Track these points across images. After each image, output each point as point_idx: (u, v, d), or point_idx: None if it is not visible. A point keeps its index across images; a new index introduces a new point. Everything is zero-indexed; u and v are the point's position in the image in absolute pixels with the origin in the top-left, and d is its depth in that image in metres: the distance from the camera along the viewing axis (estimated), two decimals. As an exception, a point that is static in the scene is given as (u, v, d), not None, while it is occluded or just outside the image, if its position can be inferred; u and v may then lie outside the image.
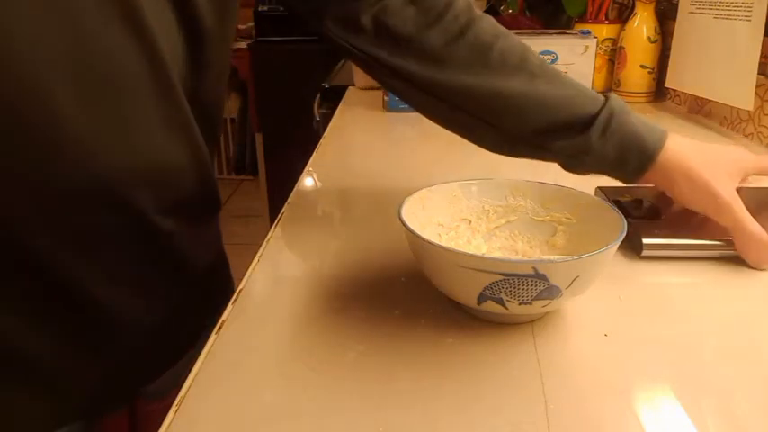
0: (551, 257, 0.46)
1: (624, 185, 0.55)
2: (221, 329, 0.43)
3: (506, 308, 0.40)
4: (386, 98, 1.06)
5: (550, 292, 0.38)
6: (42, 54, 0.37)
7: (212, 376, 0.38)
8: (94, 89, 0.40)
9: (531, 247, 0.50)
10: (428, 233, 0.42)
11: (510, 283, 0.38)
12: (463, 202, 0.51)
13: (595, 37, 0.98)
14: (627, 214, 0.55)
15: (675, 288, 0.49)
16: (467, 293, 0.41)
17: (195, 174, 0.49)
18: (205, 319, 0.50)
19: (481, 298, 0.40)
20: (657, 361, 0.39)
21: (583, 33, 1.00)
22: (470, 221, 0.51)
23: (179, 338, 0.56)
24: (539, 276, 0.37)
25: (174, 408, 0.35)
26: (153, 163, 0.45)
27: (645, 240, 0.52)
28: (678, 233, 0.53)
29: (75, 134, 0.40)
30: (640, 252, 0.52)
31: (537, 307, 0.40)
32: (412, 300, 0.46)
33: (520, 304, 0.39)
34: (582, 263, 0.39)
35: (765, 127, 0.86)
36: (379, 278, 0.49)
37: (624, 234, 0.41)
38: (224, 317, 0.44)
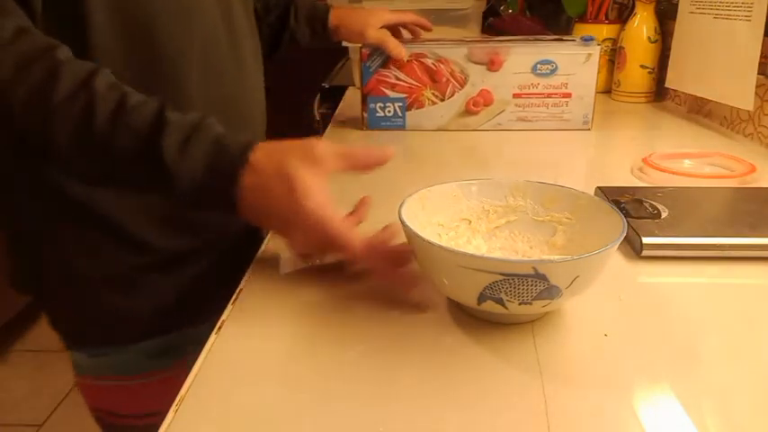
0: (551, 257, 0.46)
1: (624, 186, 0.55)
2: (221, 329, 0.43)
3: (506, 308, 0.40)
4: (365, 115, 0.95)
5: (550, 292, 0.38)
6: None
7: (212, 376, 0.38)
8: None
9: (530, 247, 0.50)
10: (428, 233, 0.42)
11: (510, 283, 0.38)
12: (463, 202, 0.51)
13: (599, 44, 0.93)
14: (627, 214, 0.56)
15: (675, 288, 0.49)
16: (467, 293, 0.41)
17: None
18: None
19: (481, 298, 0.40)
20: (657, 361, 0.39)
21: (585, 40, 0.94)
22: (470, 221, 0.51)
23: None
24: (539, 276, 0.37)
25: (173, 408, 0.35)
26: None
27: (645, 240, 0.52)
28: (678, 233, 0.53)
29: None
30: (640, 252, 0.52)
31: (537, 307, 0.40)
32: (412, 300, 0.46)
33: (520, 304, 0.39)
34: (582, 263, 0.38)
35: (765, 127, 0.86)
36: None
37: (624, 234, 0.41)
38: (224, 317, 0.44)
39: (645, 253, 0.52)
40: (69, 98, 0.44)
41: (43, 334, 1.99)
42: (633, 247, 0.53)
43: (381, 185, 0.70)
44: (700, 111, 1.03)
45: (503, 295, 0.39)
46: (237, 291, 0.48)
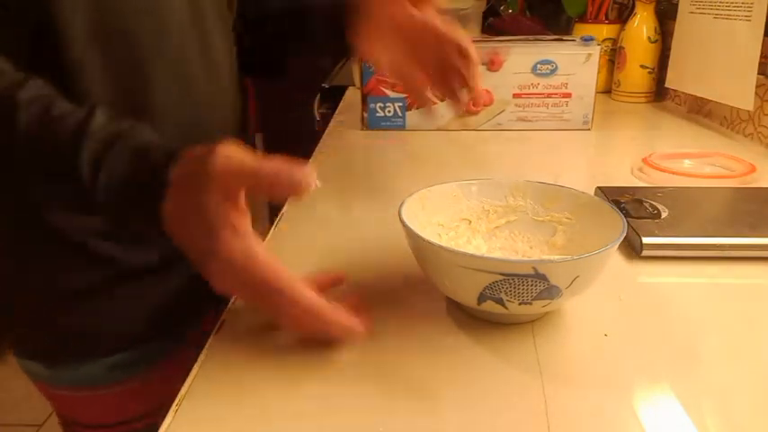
0: (551, 257, 0.46)
1: (624, 186, 0.55)
2: (221, 329, 0.43)
3: (506, 308, 0.40)
4: (365, 115, 0.95)
5: (550, 292, 0.38)
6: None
7: (212, 376, 0.38)
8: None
9: (530, 247, 0.50)
10: (428, 233, 0.42)
11: (510, 284, 0.38)
12: (463, 202, 0.51)
13: (599, 44, 0.93)
14: (627, 214, 0.56)
15: (675, 288, 0.49)
16: (467, 293, 0.41)
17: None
18: None
19: (481, 298, 0.40)
20: (657, 361, 0.39)
21: (585, 39, 0.94)
22: (470, 221, 0.51)
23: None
24: (539, 276, 0.37)
25: (173, 408, 0.35)
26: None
27: (645, 240, 0.52)
28: (678, 233, 0.53)
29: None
30: (640, 252, 0.52)
31: (537, 307, 0.40)
32: (412, 300, 0.46)
33: (520, 304, 0.39)
34: (582, 263, 0.38)
35: (765, 127, 0.86)
36: (379, 278, 0.49)
37: (624, 234, 0.41)
38: (224, 317, 0.44)
39: (645, 253, 0.52)
40: None
41: (43, 334, 1.98)
42: (633, 247, 0.53)
43: (381, 185, 0.70)
44: (700, 111, 1.03)
45: (503, 295, 0.39)
46: (237, 291, 0.48)
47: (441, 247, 0.40)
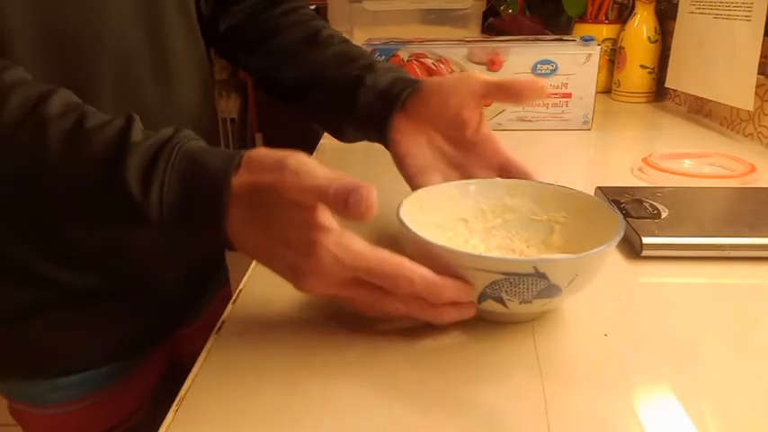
0: (552, 257, 0.46)
1: (624, 186, 0.55)
2: (221, 329, 0.43)
3: (507, 307, 0.40)
4: None
5: (550, 290, 0.39)
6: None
7: (212, 376, 0.38)
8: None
9: (528, 246, 0.50)
10: (426, 234, 0.42)
11: (510, 283, 0.38)
12: (460, 202, 0.50)
13: (599, 44, 0.92)
14: (627, 214, 0.56)
15: (675, 288, 0.49)
16: None
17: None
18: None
19: (482, 297, 0.40)
20: (657, 361, 0.39)
21: (585, 40, 0.94)
22: (468, 221, 0.51)
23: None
24: (539, 275, 0.37)
25: (173, 408, 0.35)
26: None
27: (645, 240, 0.52)
28: (678, 233, 0.53)
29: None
30: (640, 252, 0.52)
31: (537, 306, 0.40)
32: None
33: (520, 303, 0.39)
34: (582, 261, 0.39)
35: (765, 127, 0.86)
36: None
37: (623, 232, 0.41)
38: (224, 317, 0.44)
39: (645, 253, 0.52)
40: (15, 127, 0.37)
41: (43, 334, 1.98)
42: (633, 247, 0.53)
43: (381, 186, 0.70)
44: (700, 111, 1.03)
45: (503, 294, 0.39)
46: (237, 291, 0.48)
47: (441, 247, 0.40)
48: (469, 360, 0.39)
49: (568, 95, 0.93)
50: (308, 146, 0.88)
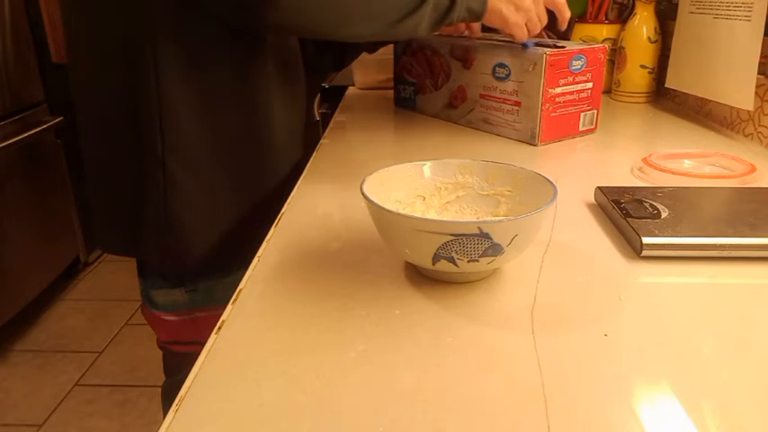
0: (493, 218, 0.51)
1: (624, 186, 0.55)
2: (221, 329, 0.43)
3: (457, 266, 0.45)
4: (394, 93, 1.13)
5: (494, 249, 0.44)
6: None
7: (212, 376, 0.38)
8: None
9: (477, 218, 0.55)
10: (387, 206, 0.46)
11: (459, 243, 0.43)
12: (417, 180, 0.56)
13: (545, 53, 0.81)
14: (627, 214, 0.56)
15: (675, 288, 0.49)
16: (422, 255, 0.45)
17: None
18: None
19: (435, 258, 0.44)
20: (657, 361, 0.39)
21: (537, 45, 0.85)
22: (425, 198, 0.56)
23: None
24: (483, 235, 0.43)
25: (174, 408, 0.35)
26: None
27: (645, 240, 0.52)
28: (678, 233, 0.53)
29: None
30: (640, 252, 0.52)
31: (483, 264, 0.45)
32: (412, 299, 0.46)
33: (468, 262, 0.44)
34: (520, 222, 0.44)
35: (765, 127, 0.86)
36: (378, 278, 0.49)
37: (555, 199, 0.46)
38: (224, 317, 0.45)
39: (645, 253, 0.52)
40: None
41: (43, 334, 2.00)
42: (633, 248, 0.53)
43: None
44: (700, 111, 1.03)
45: (453, 254, 0.44)
46: (237, 291, 0.48)
47: (399, 214, 0.45)
48: (469, 360, 0.39)
49: (518, 104, 0.87)
50: (308, 146, 0.88)
